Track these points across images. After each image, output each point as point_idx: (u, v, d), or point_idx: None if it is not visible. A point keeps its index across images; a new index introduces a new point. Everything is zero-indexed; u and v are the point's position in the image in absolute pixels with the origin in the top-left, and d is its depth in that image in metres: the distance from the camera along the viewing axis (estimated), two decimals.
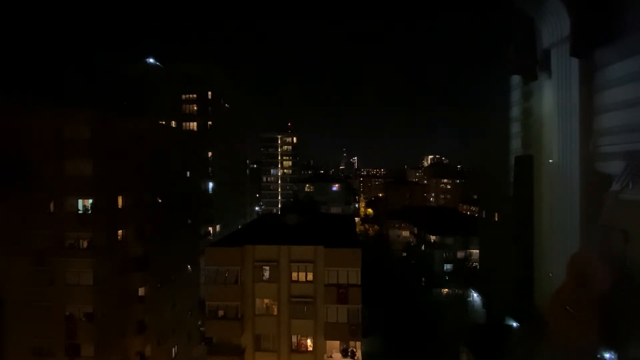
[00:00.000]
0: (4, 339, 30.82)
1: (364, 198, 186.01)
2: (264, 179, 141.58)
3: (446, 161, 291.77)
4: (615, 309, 25.13)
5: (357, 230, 57.52)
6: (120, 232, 33.32)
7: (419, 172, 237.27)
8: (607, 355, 26.64)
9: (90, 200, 30.88)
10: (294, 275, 30.75)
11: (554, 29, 36.14)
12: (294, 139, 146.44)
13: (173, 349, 39.90)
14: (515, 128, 44.93)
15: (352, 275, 29.95)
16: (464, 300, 60.58)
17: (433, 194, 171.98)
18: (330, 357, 30.28)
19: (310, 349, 30.53)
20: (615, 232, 26.55)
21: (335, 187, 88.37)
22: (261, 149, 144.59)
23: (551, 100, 37.40)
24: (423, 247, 74.70)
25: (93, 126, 30.90)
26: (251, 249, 30.88)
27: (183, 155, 45.25)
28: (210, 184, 64.41)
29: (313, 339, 30.45)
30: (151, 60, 67.48)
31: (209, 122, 65.91)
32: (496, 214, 49.60)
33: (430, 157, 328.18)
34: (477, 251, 61.15)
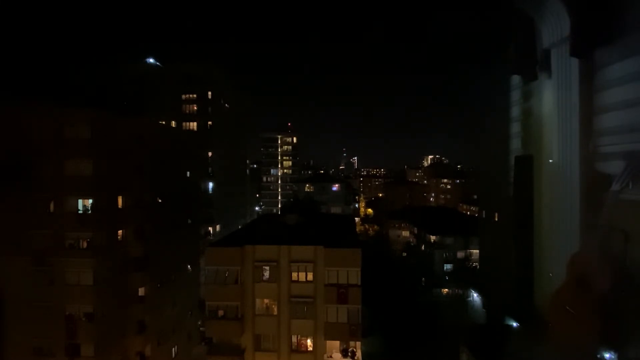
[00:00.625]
0: (4, 339, 30.81)
1: (364, 198, 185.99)
2: (264, 179, 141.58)
3: (446, 161, 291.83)
4: (615, 309, 25.13)
5: (357, 230, 57.49)
6: (120, 232, 33.30)
7: (419, 172, 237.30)
8: (607, 355, 26.64)
9: (90, 200, 30.87)
10: (294, 275, 30.73)
11: (554, 29, 36.14)
12: (294, 139, 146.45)
13: (173, 349, 39.90)
14: (515, 128, 44.94)
15: (352, 275, 29.94)
16: (464, 300, 60.61)
17: (433, 194, 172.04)
18: (330, 357, 30.27)
19: (310, 349, 30.52)
20: (615, 232, 26.56)
21: (335, 187, 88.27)
22: (261, 149, 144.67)
23: (551, 100, 37.41)
24: (423, 247, 74.69)
25: (93, 126, 30.88)
26: (251, 249, 30.88)
27: (183, 155, 45.24)
28: (210, 184, 64.38)
29: (313, 339, 30.44)
30: (151, 60, 67.46)
31: (209, 122, 65.87)
32: (496, 214, 49.60)
33: (430, 157, 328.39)
34: (477, 251, 61.17)
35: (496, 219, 49.48)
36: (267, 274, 30.90)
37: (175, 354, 40.09)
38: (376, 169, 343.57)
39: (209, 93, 66.40)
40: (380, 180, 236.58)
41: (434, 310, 52.92)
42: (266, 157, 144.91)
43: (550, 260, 37.49)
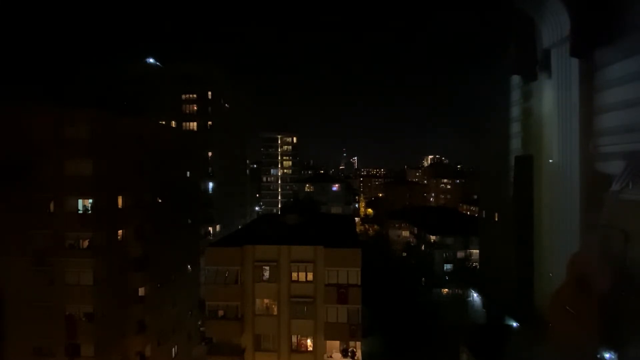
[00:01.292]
0: (4, 339, 30.80)
1: (364, 198, 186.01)
2: (264, 179, 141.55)
3: (446, 161, 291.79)
4: (615, 309, 25.14)
5: (357, 230, 57.50)
6: (120, 232, 33.29)
7: (419, 172, 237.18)
8: (607, 355, 26.64)
9: (90, 200, 30.84)
10: (294, 275, 30.73)
11: (554, 29, 36.16)
12: (294, 139, 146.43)
13: (173, 349, 39.88)
14: (515, 128, 44.94)
15: (352, 275, 29.94)
16: (464, 300, 60.62)
17: (433, 194, 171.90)
18: (330, 357, 30.27)
19: (310, 349, 30.52)
20: (615, 232, 26.56)
21: (335, 187, 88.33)
22: (261, 149, 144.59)
23: (551, 100, 37.43)
24: (423, 247, 74.70)
25: (93, 126, 30.86)
26: (251, 249, 30.87)
27: (183, 155, 45.23)
28: (210, 184, 64.36)
29: (313, 339, 30.44)
30: (151, 60, 67.45)
31: (209, 122, 65.84)
32: (496, 214, 49.61)
33: (430, 157, 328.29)
34: (477, 251, 61.18)
35: (496, 219, 49.48)
36: (267, 274, 30.89)
37: (175, 354, 40.08)
38: (376, 169, 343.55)
39: (209, 93, 66.38)
40: (380, 180, 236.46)
41: (434, 310, 52.95)
42: (266, 157, 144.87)
43: (550, 260, 37.50)
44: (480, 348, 37.24)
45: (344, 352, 30.11)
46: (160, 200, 38.54)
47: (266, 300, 31.05)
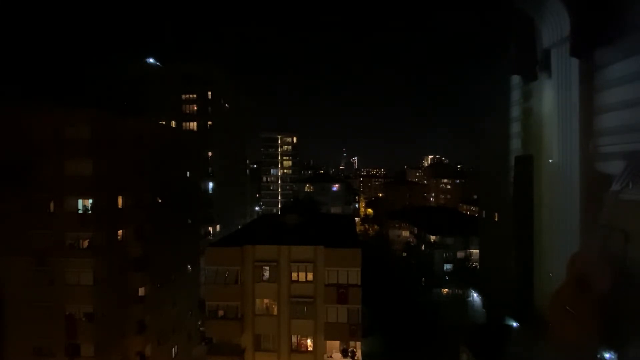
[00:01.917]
0: (4, 339, 30.82)
1: (364, 198, 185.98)
2: (264, 179, 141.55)
3: (446, 161, 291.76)
4: (615, 309, 25.12)
5: (357, 230, 57.51)
6: (120, 232, 33.31)
7: (419, 172, 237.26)
8: (607, 355, 26.63)
9: (90, 200, 30.86)
10: (294, 275, 30.74)
11: (554, 29, 36.14)
12: (294, 139, 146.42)
13: (173, 349, 39.90)
14: (515, 128, 44.92)
15: (352, 275, 29.94)
16: (464, 300, 60.60)
17: (433, 194, 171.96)
18: (330, 357, 30.28)
19: (310, 349, 30.53)
20: (615, 232, 26.53)
21: (335, 187, 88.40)
22: (261, 149, 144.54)
23: (551, 100, 37.40)
24: (423, 247, 74.68)
25: (93, 126, 30.88)
26: (251, 249, 30.88)
27: (183, 155, 45.24)
28: (210, 184, 64.37)
29: (313, 339, 30.45)
30: (151, 60, 67.46)
31: (209, 122, 65.87)
32: (496, 214, 49.59)
33: (430, 157, 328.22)
34: (477, 251, 61.16)
35: (496, 219, 49.46)
36: (267, 274, 30.90)
37: (175, 354, 40.09)
38: (376, 169, 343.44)
39: (209, 93, 66.40)
40: (380, 180, 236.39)
41: (434, 310, 52.93)
42: (266, 157, 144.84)
43: (550, 260, 37.47)
44: (480, 348, 37.24)
45: (344, 352, 30.11)
46: (160, 200, 38.55)
47: (266, 300, 31.07)
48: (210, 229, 62.75)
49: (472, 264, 63.92)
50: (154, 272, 35.65)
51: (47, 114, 31.35)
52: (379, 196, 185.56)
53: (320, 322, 30.12)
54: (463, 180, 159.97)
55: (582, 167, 32.59)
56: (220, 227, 64.90)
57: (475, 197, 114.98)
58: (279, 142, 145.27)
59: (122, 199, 33.40)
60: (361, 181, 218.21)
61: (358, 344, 30.34)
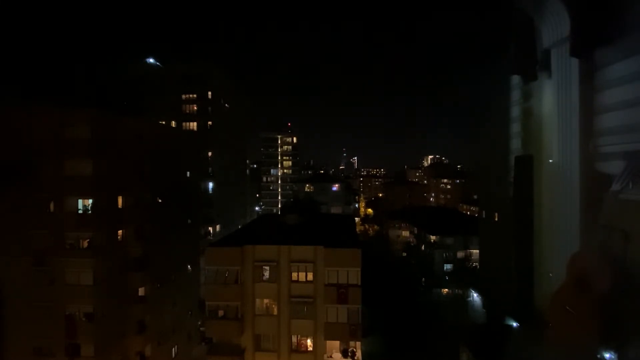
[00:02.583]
0: (4, 339, 30.81)
1: (364, 198, 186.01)
2: (264, 179, 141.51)
3: (446, 161, 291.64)
4: (615, 309, 25.13)
5: (357, 230, 57.49)
6: (120, 232, 33.29)
7: (419, 172, 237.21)
8: (607, 355, 26.64)
9: (90, 200, 30.84)
10: (294, 275, 30.73)
11: (554, 29, 36.15)
12: (294, 139, 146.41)
13: (173, 349, 39.88)
14: (515, 128, 44.94)
15: (352, 275, 29.93)
16: (464, 300, 60.57)
17: (433, 194, 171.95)
18: (330, 357, 30.27)
19: (310, 349, 30.52)
20: (615, 232, 26.55)
21: (335, 187, 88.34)
22: (261, 149, 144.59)
23: (551, 100, 37.42)
24: (423, 247, 74.67)
25: (93, 126, 30.85)
26: (251, 249, 30.87)
27: (183, 155, 45.23)
28: (210, 184, 64.37)
29: (313, 339, 30.43)
30: (151, 60, 67.43)
31: (209, 122, 65.82)
32: (496, 214, 49.61)
33: (430, 157, 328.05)
34: (477, 251, 61.16)
35: (496, 219, 49.48)
36: (267, 274, 30.89)
37: (175, 354, 40.07)
38: (376, 169, 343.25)
39: (209, 93, 66.37)
40: (380, 180, 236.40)
41: (434, 310, 52.92)
42: (266, 157, 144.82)
43: (550, 260, 37.49)
44: (480, 348, 37.24)
45: (344, 352, 30.11)
46: (160, 200, 38.52)
47: (266, 300, 31.05)
48: (210, 229, 62.73)
49: (472, 264, 63.92)
50: (154, 272, 35.63)
51: (47, 114, 31.31)
52: (379, 196, 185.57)
53: (320, 322, 30.10)
54: (463, 180, 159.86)
55: (582, 167, 32.60)
56: (220, 227, 64.89)
57: (475, 197, 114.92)
58: (279, 142, 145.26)
59: (122, 199, 33.39)
60: (361, 181, 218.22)
61: (358, 344, 30.32)
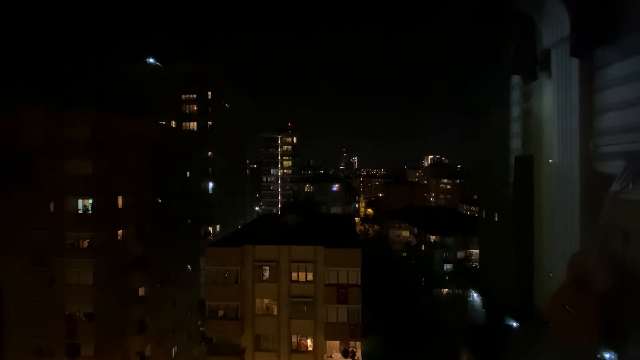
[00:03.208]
0: (4, 339, 30.81)
1: (364, 198, 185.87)
2: (264, 179, 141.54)
3: (446, 161, 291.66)
4: (615, 309, 25.12)
5: (357, 230, 57.49)
6: (120, 232, 33.31)
7: (419, 172, 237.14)
8: (607, 355, 26.64)
9: (90, 200, 30.87)
10: (294, 275, 30.75)
11: (554, 29, 36.13)
12: (294, 139, 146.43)
13: (173, 349, 39.89)
14: (515, 128, 44.91)
15: (352, 275, 29.95)
16: (464, 300, 60.56)
17: (433, 194, 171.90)
18: (330, 357, 30.28)
19: (310, 349, 30.53)
20: (615, 232, 26.53)
21: (335, 187, 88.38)
22: (261, 149, 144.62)
23: (551, 100, 37.38)
24: (423, 247, 74.68)
25: (93, 126, 30.88)
26: (251, 249, 30.87)
27: (183, 155, 45.24)
28: (210, 184, 64.42)
29: (313, 339, 30.45)
30: (151, 60, 67.47)
31: (209, 122, 65.90)
32: (496, 214, 49.57)
33: (430, 157, 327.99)
34: (477, 251, 61.13)
35: (496, 219, 49.44)
36: (267, 274, 30.91)
37: (175, 354, 40.08)
38: (376, 169, 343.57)
39: (209, 93, 66.44)
40: (380, 180, 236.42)
41: (434, 310, 52.88)
42: (266, 157, 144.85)
43: (550, 260, 37.46)
44: (480, 348, 37.20)
45: (344, 352, 30.12)
46: (160, 200, 38.53)
47: (266, 300, 31.07)
48: (210, 229, 62.79)
49: (472, 264, 63.91)
50: (154, 272, 35.64)
51: (47, 113, 31.34)
52: (379, 196, 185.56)
53: (320, 322, 30.12)
54: (463, 180, 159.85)
55: (582, 167, 32.56)
56: (220, 227, 64.93)
57: (475, 197, 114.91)
58: (279, 142, 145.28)
59: (122, 199, 33.40)
60: (361, 181, 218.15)
61: (358, 344, 30.34)
